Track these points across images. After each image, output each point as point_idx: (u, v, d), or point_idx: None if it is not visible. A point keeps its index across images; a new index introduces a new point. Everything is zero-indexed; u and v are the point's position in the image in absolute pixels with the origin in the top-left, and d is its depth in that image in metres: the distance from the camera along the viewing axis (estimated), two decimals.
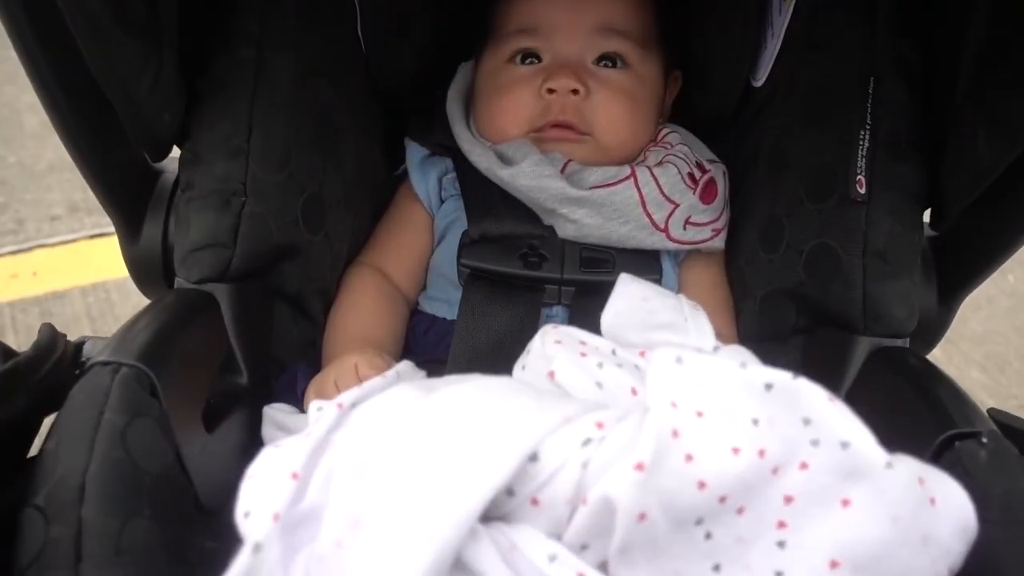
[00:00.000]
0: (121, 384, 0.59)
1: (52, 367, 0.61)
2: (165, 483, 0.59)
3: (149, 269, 0.88)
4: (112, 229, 0.88)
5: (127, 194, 0.85)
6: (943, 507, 0.50)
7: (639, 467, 0.47)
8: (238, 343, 0.77)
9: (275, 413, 0.76)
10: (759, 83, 0.95)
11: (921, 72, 0.81)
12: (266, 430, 0.76)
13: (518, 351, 0.71)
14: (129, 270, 0.91)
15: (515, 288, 0.87)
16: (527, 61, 0.95)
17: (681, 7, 0.98)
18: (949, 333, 0.89)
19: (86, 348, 0.71)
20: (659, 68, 0.99)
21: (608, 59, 0.95)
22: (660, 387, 0.51)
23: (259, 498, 0.51)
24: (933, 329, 0.86)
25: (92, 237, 2.19)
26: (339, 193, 0.90)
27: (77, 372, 0.62)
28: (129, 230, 0.87)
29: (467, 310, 0.85)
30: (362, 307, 0.91)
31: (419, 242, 0.97)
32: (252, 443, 0.75)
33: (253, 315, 0.81)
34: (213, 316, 0.76)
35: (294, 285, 0.86)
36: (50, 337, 0.64)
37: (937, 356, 0.84)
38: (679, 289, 0.93)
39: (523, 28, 0.96)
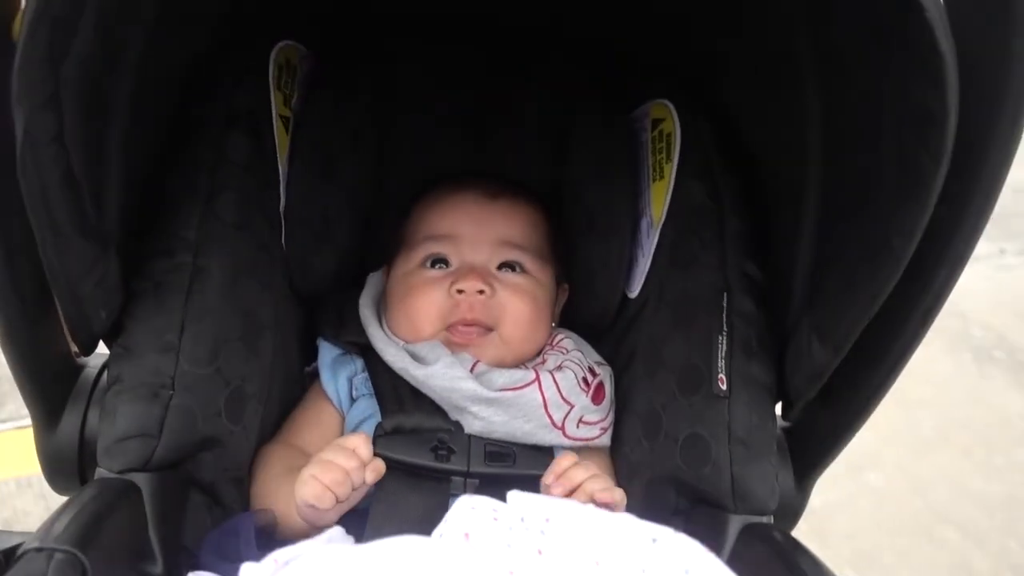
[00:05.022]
0: (56, 570, 0.62)
1: None
2: None
3: (64, 463, 0.90)
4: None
5: (52, 386, 0.89)
6: None
7: None
8: (155, 531, 0.80)
9: None
10: (633, 295, 1.11)
11: (765, 288, 0.98)
12: None
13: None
14: (42, 464, 0.92)
15: (425, 479, 0.93)
16: (436, 265, 1.08)
17: (568, 229, 1.15)
18: (819, 531, 0.98)
19: None
20: (552, 277, 1.13)
21: (509, 266, 1.09)
22: (564, 539, 0.59)
23: None
24: (792, 507, 0.97)
25: None
26: (258, 386, 0.96)
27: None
28: (48, 422, 0.89)
29: (381, 498, 0.90)
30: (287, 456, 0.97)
31: (327, 440, 1.00)
32: None
33: (170, 504, 0.84)
34: (136, 504, 0.79)
35: (210, 475, 0.89)
36: None
37: None
38: None
39: (433, 235, 1.09)
